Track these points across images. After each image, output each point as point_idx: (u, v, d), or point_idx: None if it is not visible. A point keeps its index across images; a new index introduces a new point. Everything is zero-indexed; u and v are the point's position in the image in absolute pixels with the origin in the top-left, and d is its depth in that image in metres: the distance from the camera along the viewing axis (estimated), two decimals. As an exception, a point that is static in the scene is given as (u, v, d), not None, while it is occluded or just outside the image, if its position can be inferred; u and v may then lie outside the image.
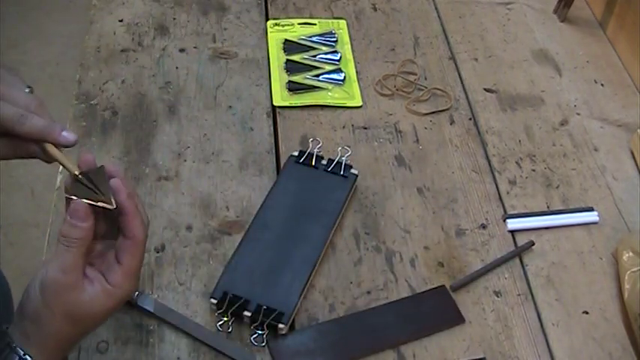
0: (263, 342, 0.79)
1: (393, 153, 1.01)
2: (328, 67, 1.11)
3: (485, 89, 1.11)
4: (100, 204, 0.64)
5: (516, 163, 1.01)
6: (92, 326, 0.66)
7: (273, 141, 1.01)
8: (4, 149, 0.66)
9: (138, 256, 0.65)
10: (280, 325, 0.79)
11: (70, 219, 0.63)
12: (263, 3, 1.22)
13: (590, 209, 0.96)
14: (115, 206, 0.64)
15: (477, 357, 0.81)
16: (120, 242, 0.65)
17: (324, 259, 0.88)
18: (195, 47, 1.13)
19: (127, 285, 0.65)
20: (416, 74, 1.12)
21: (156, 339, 0.79)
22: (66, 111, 1.02)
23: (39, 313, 0.63)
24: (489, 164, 1.01)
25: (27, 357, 0.62)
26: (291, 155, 0.97)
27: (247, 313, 0.80)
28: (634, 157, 1.03)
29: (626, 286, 0.85)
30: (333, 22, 1.19)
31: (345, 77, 1.09)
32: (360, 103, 1.07)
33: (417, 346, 0.81)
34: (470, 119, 1.07)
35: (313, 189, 0.93)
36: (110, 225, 0.67)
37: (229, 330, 0.80)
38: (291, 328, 0.81)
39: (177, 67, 1.09)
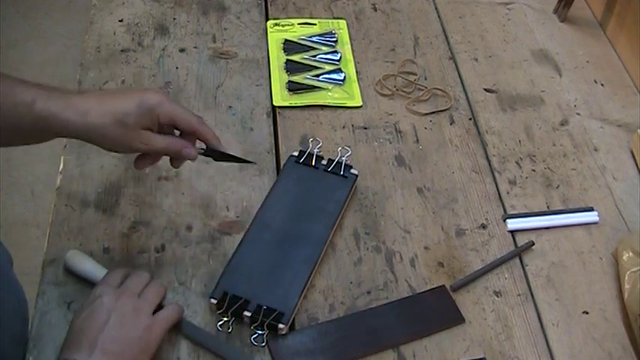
0: (263, 342, 0.79)
1: (393, 153, 1.01)
2: (328, 67, 1.11)
3: (485, 89, 1.11)
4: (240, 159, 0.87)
5: (516, 163, 1.01)
6: None
7: (273, 141, 1.01)
8: (162, 142, 0.79)
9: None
10: (280, 325, 0.79)
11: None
12: (263, 3, 1.22)
13: (590, 209, 0.96)
14: (256, 162, 0.93)
15: (477, 357, 0.81)
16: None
17: (324, 259, 0.88)
18: (195, 47, 1.13)
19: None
20: (416, 74, 1.12)
21: (156, 339, 0.79)
22: (66, 111, 1.02)
23: None
24: (489, 164, 1.01)
25: None
26: (291, 155, 0.96)
27: (247, 313, 0.80)
28: (634, 157, 1.03)
29: (626, 286, 0.85)
30: (333, 22, 1.19)
31: (345, 77, 1.09)
32: (360, 103, 1.07)
33: (417, 346, 0.81)
34: (470, 119, 1.07)
35: (313, 189, 0.93)
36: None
37: (229, 330, 0.80)
38: (291, 328, 0.81)
39: (177, 67, 1.09)
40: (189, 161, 0.85)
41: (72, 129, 0.75)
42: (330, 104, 1.06)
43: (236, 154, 0.86)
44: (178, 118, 0.79)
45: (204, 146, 0.83)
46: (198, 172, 0.96)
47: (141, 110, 0.76)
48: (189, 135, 0.82)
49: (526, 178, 1.00)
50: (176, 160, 0.83)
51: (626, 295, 0.85)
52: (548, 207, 0.96)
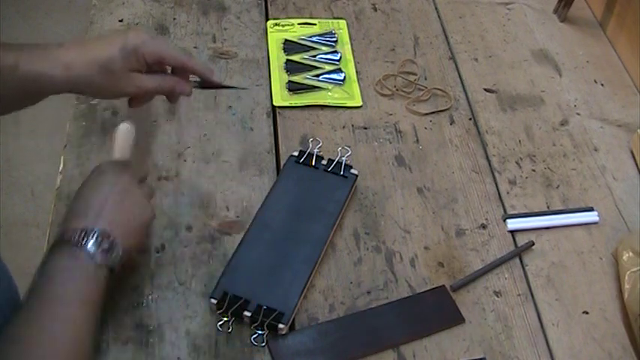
0: (263, 342, 0.79)
1: (393, 153, 1.01)
2: (328, 67, 1.11)
3: (485, 89, 1.11)
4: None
5: (516, 163, 1.01)
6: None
7: (273, 141, 1.01)
8: (152, 83, 0.80)
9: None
10: (280, 325, 0.79)
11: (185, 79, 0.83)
12: (263, 3, 1.22)
13: (590, 209, 0.96)
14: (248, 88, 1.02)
15: (477, 357, 0.81)
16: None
17: (324, 259, 0.88)
18: (195, 47, 1.12)
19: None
20: (416, 74, 1.12)
21: (156, 339, 0.79)
22: (66, 111, 1.02)
23: None
24: (489, 164, 1.01)
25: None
26: (291, 155, 0.96)
27: (247, 313, 0.80)
28: (634, 157, 1.03)
29: (626, 286, 0.85)
30: (333, 22, 1.19)
31: (345, 77, 1.09)
32: (360, 103, 1.07)
33: (417, 346, 0.81)
34: (470, 119, 1.07)
35: (313, 189, 0.93)
36: None
37: (229, 330, 0.80)
38: (291, 328, 0.81)
39: (177, 67, 1.09)
40: (189, 162, 0.85)
41: (60, 85, 0.75)
42: (330, 104, 1.06)
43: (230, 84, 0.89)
44: (165, 55, 0.79)
45: (197, 79, 0.83)
46: (198, 172, 0.96)
47: (124, 53, 0.76)
48: (181, 71, 0.82)
49: (526, 178, 1.00)
50: (171, 97, 0.84)
51: (626, 295, 0.85)
52: (548, 207, 0.96)
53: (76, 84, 0.75)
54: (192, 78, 0.83)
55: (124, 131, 0.85)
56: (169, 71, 0.83)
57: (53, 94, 0.77)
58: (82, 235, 0.71)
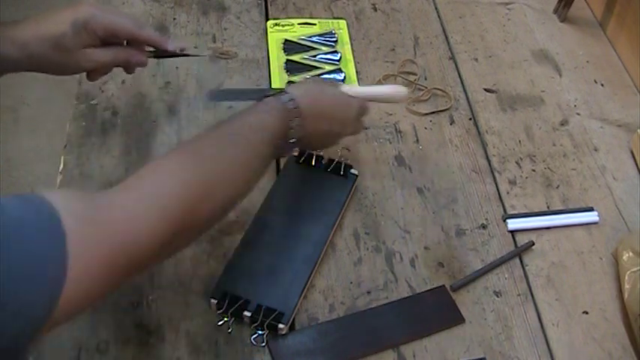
0: (263, 342, 0.79)
1: (393, 153, 1.01)
2: (328, 67, 1.11)
3: (485, 89, 1.11)
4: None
5: (516, 163, 1.01)
6: None
7: (273, 141, 1.00)
8: (106, 56, 0.81)
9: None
10: (280, 325, 0.79)
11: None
12: (263, 3, 1.22)
13: (590, 209, 0.96)
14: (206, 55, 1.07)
15: (477, 357, 0.81)
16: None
17: (324, 259, 0.88)
18: (195, 47, 1.12)
19: None
20: (416, 74, 1.12)
21: (156, 339, 0.79)
22: (66, 111, 1.02)
23: None
24: (489, 164, 1.01)
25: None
26: (291, 155, 0.96)
27: (247, 313, 0.80)
28: (634, 157, 1.03)
29: (626, 286, 0.85)
30: (333, 22, 1.19)
31: (345, 77, 1.09)
32: (360, 103, 1.06)
33: (417, 346, 0.81)
34: (470, 119, 1.07)
35: (313, 189, 0.93)
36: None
37: (229, 330, 0.80)
38: (291, 328, 0.81)
39: (177, 67, 1.09)
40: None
41: (16, 64, 0.76)
42: (330, 104, 1.06)
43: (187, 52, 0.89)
44: (115, 28, 0.80)
45: (152, 49, 0.84)
46: (198, 172, 0.96)
47: (75, 29, 0.77)
48: (134, 42, 0.82)
49: (526, 178, 1.00)
50: (128, 68, 0.85)
51: (626, 295, 0.85)
52: (548, 207, 0.96)
53: (32, 62, 0.76)
54: (149, 48, 0.84)
55: (396, 90, 0.94)
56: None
57: (11, 73, 0.78)
58: (288, 100, 0.79)
